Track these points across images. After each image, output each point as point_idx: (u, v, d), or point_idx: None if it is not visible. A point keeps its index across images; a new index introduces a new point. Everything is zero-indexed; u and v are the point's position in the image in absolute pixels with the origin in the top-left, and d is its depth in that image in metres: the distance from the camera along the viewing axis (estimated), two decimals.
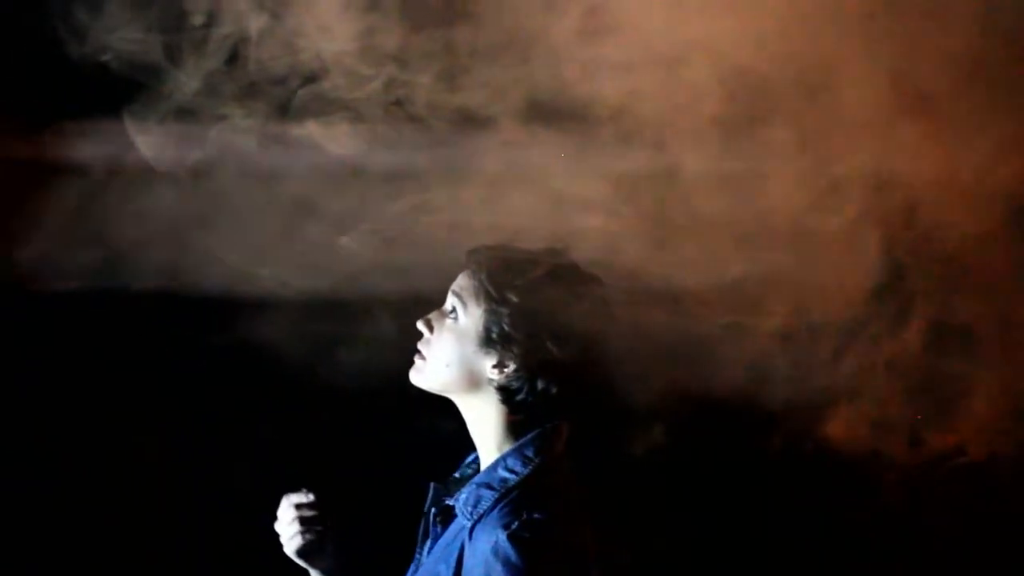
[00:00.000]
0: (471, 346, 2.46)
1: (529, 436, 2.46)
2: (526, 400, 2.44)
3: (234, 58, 3.10)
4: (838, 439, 3.28)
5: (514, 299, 2.43)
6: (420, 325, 2.52)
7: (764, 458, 3.42)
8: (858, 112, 3.15)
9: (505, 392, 2.45)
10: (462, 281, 2.50)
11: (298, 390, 3.49)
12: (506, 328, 2.43)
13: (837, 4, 3.11)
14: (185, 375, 3.53)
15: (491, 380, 2.45)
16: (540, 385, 2.43)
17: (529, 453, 2.44)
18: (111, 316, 3.44)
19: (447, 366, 2.48)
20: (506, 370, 2.44)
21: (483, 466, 2.50)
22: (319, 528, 2.60)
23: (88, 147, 3.31)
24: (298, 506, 2.61)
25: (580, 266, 2.50)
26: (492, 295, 2.44)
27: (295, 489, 2.66)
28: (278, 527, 2.63)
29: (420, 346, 2.52)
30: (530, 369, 2.43)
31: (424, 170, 3.25)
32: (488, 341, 2.45)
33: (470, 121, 3.11)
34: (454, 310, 2.49)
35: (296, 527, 2.60)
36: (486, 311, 2.45)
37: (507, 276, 2.45)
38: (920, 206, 3.24)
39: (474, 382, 2.47)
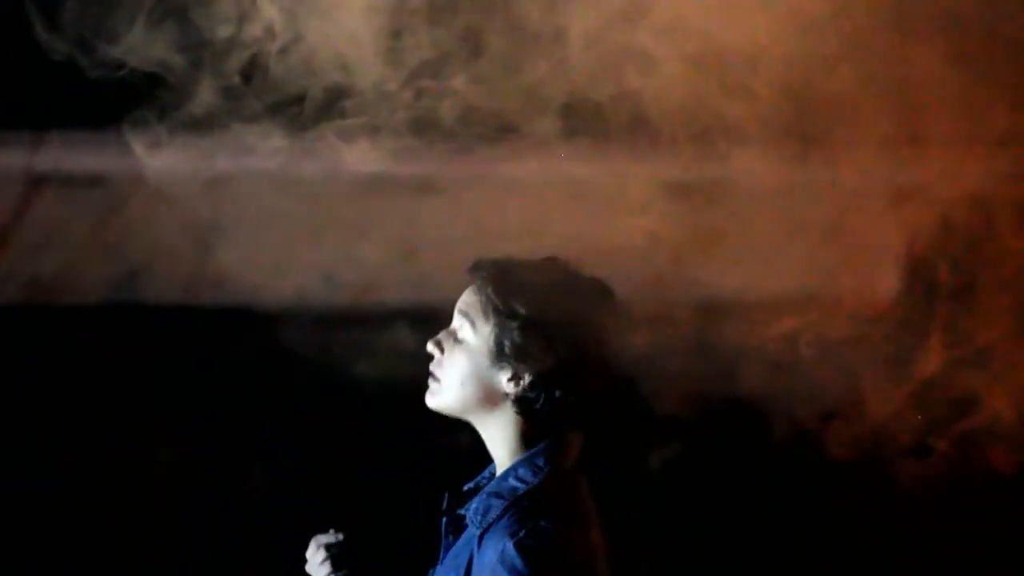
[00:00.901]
0: (484, 362, 2.45)
1: (540, 446, 2.45)
2: (543, 409, 2.44)
3: (257, 69, 3.11)
4: (854, 450, 3.27)
5: (523, 311, 2.42)
6: (430, 347, 2.50)
7: (780, 467, 3.41)
8: (886, 124, 3.14)
9: (521, 403, 2.44)
10: (468, 298, 2.48)
11: (316, 400, 3.50)
12: (518, 340, 2.42)
13: (855, 14, 3.10)
14: (203, 387, 3.54)
15: (507, 394, 2.44)
16: (557, 394, 2.42)
17: (539, 462, 2.44)
18: (129, 329, 3.45)
19: (462, 384, 2.46)
20: (522, 382, 2.43)
21: (497, 475, 2.49)
22: (349, 567, 2.60)
23: (105, 160, 3.33)
24: (327, 547, 2.62)
25: (584, 272, 2.49)
26: (500, 309, 2.43)
27: (320, 524, 2.66)
28: (309, 569, 2.64)
29: (432, 368, 2.50)
30: (546, 378, 2.42)
31: (451, 179, 3.26)
32: (501, 355, 2.43)
33: (500, 129, 3.11)
34: (463, 330, 2.47)
35: (327, 568, 2.61)
36: (496, 325, 2.43)
37: (513, 288, 2.43)
38: (945, 219, 3.23)
39: (491, 398, 2.46)
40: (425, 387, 2.51)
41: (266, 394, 3.53)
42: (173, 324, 3.46)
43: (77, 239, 3.36)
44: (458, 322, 2.49)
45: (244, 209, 3.33)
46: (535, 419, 2.45)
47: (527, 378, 2.42)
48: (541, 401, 2.42)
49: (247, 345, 3.46)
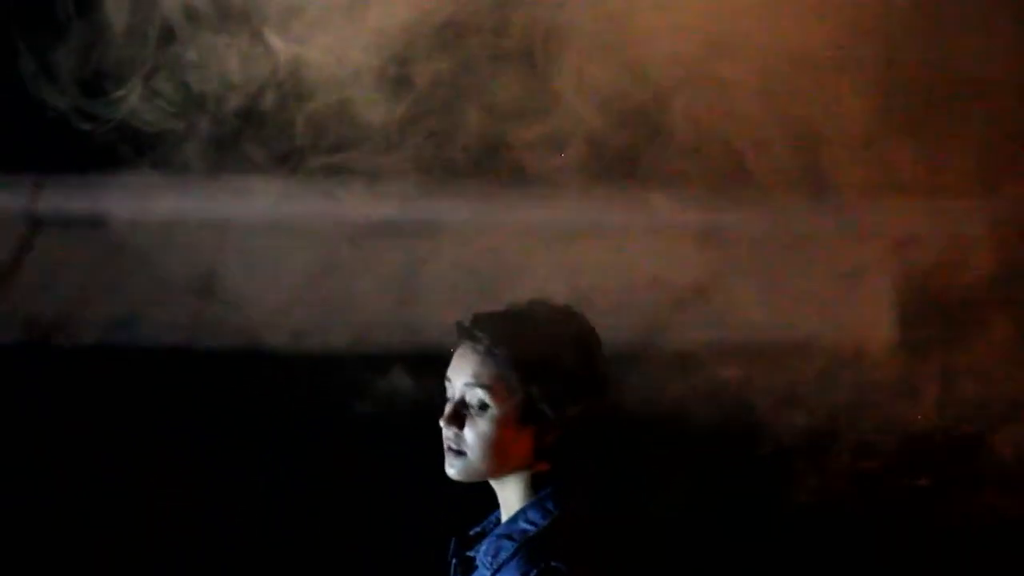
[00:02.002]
0: (513, 425, 2.41)
1: (549, 489, 2.45)
2: (569, 454, 2.44)
3: (257, 113, 3.12)
4: (855, 491, 3.28)
5: (541, 368, 2.39)
6: (445, 424, 2.44)
7: (783, 506, 3.42)
8: (879, 169, 3.17)
9: (551, 453, 2.44)
10: (475, 368, 2.41)
11: (315, 443, 3.50)
12: (546, 397, 2.39)
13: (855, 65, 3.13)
14: (202, 429, 3.53)
15: (540, 448, 2.42)
16: (583, 438, 2.43)
17: (549, 505, 2.43)
18: (127, 371, 3.45)
19: (497, 453, 2.42)
20: (554, 432, 2.42)
21: (504, 519, 2.49)
22: None
23: (105, 203, 3.33)
24: None
25: (566, 307, 2.47)
26: (520, 371, 2.39)
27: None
28: None
29: (451, 444, 2.44)
30: (575, 424, 2.42)
31: (450, 222, 3.26)
32: (531, 415, 2.40)
33: (502, 172, 3.12)
34: (482, 402, 2.41)
35: None
36: (518, 390, 2.39)
37: (522, 347, 2.39)
38: (944, 264, 3.25)
39: (523, 456, 2.43)
40: (438, 454, 2.46)
41: (265, 436, 3.53)
42: (171, 366, 3.46)
43: (77, 280, 3.36)
44: (470, 393, 2.42)
45: (244, 252, 3.33)
46: (555, 463, 2.45)
47: (558, 428, 2.42)
48: (569, 447, 2.42)
49: (246, 388, 3.45)
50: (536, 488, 2.45)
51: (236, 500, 3.53)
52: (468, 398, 2.43)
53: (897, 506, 3.42)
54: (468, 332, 2.42)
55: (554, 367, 2.39)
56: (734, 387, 3.15)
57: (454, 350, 2.46)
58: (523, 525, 2.42)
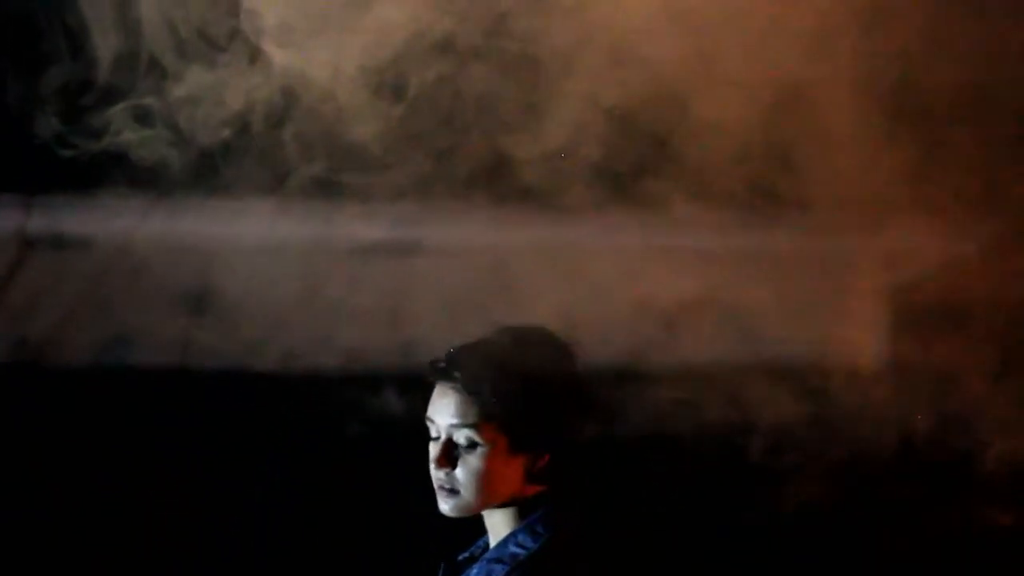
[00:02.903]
0: (503, 458, 2.41)
1: (538, 513, 2.45)
2: (558, 475, 2.43)
3: (249, 133, 3.11)
4: (853, 509, 3.29)
5: (524, 399, 2.38)
6: (436, 467, 2.42)
7: (778, 528, 3.42)
8: (870, 186, 3.17)
9: (541, 477, 2.44)
10: (459, 408, 2.39)
11: (306, 464, 3.50)
12: (532, 427, 2.40)
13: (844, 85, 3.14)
14: (192, 451, 3.53)
15: (530, 474, 2.42)
16: (573, 459, 2.43)
17: (539, 529, 2.43)
18: (118, 392, 3.45)
19: (491, 488, 2.41)
20: (544, 458, 2.42)
21: (493, 544, 2.48)
22: None
23: (96, 224, 3.33)
24: None
25: (537, 330, 2.46)
26: (505, 406, 2.38)
27: None
28: None
29: (444, 484, 2.43)
30: (564, 448, 2.43)
31: (441, 243, 3.26)
32: (520, 446, 2.41)
33: (496, 193, 3.12)
34: (471, 440, 2.40)
35: None
36: (506, 424, 2.39)
37: (507, 383, 2.38)
38: (932, 280, 3.26)
39: (515, 486, 2.43)
40: (429, 476, 2.45)
41: (256, 457, 3.52)
42: (162, 387, 3.46)
43: (67, 301, 3.36)
44: (457, 434, 2.41)
45: (235, 272, 3.33)
46: (546, 486, 2.44)
47: (548, 452, 2.42)
48: (558, 470, 2.42)
49: (237, 408, 3.45)
50: (525, 512, 2.45)
51: (228, 520, 3.52)
52: (456, 438, 2.41)
53: (890, 519, 3.42)
54: (445, 372, 2.41)
55: (538, 394, 2.39)
56: (729, 403, 3.15)
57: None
58: (513, 549, 2.42)
